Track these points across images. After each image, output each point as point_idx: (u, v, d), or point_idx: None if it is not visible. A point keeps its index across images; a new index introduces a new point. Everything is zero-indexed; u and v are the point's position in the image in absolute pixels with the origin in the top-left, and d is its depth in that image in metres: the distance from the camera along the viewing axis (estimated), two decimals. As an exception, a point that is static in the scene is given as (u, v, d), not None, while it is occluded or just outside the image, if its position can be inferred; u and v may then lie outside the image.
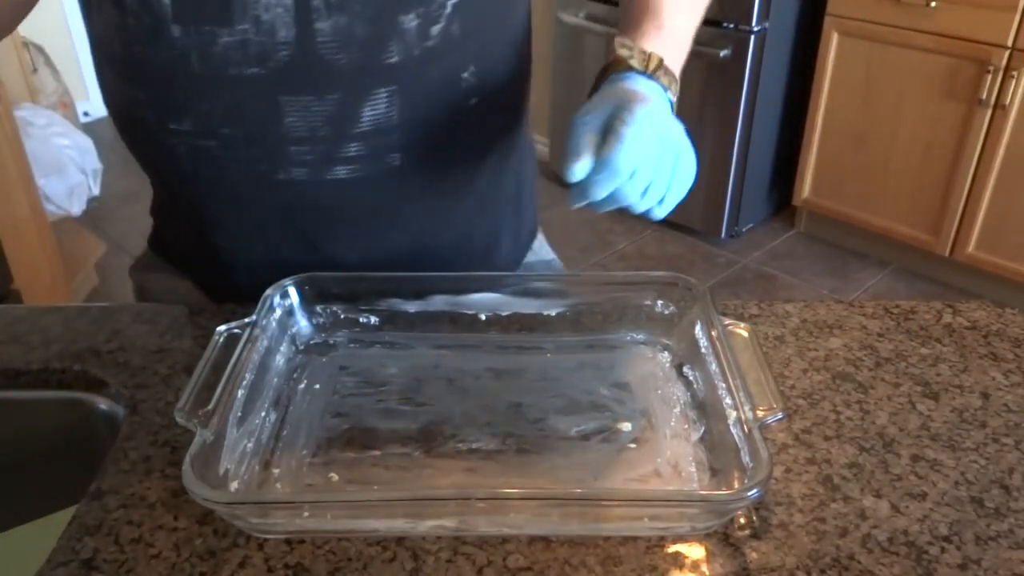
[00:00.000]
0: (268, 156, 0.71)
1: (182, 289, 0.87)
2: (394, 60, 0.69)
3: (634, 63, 0.68)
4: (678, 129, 0.65)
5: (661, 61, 0.69)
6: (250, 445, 0.64)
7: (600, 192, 0.61)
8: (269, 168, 0.72)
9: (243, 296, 0.77)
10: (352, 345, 0.76)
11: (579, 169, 0.61)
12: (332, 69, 0.68)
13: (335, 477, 0.63)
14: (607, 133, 0.61)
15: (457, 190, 0.81)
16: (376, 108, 0.70)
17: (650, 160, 0.61)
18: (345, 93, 0.69)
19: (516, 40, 0.78)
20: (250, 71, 0.67)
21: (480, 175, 0.82)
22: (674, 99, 0.70)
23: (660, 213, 0.65)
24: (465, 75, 0.73)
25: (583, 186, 0.62)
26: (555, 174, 3.09)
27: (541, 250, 0.97)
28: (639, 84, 0.67)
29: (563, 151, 0.61)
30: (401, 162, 0.74)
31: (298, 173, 0.72)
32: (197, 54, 0.66)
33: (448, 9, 0.69)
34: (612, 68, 0.69)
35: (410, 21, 0.68)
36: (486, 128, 0.79)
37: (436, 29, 0.69)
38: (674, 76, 0.70)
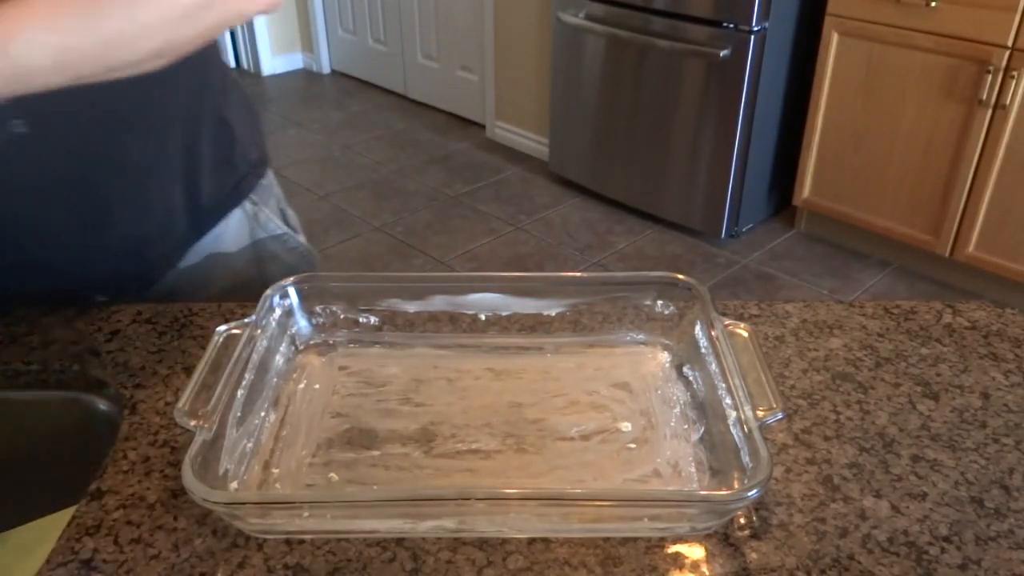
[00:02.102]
0: None
1: None
2: None
3: None
4: None
5: None
6: (250, 445, 0.64)
7: None
8: None
9: None
10: (352, 345, 0.76)
11: None
12: None
13: (335, 477, 0.63)
14: None
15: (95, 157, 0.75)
16: None
17: None
18: None
19: None
20: None
21: (129, 140, 0.76)
22: None
23: None
24: None
25: None
26: (556, 174, 3.10)
27: (269, 224, 0.93)
28: None
29: None
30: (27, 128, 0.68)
31: None
32: None
33: None
34: None
35: None
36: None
37: None
38: None
